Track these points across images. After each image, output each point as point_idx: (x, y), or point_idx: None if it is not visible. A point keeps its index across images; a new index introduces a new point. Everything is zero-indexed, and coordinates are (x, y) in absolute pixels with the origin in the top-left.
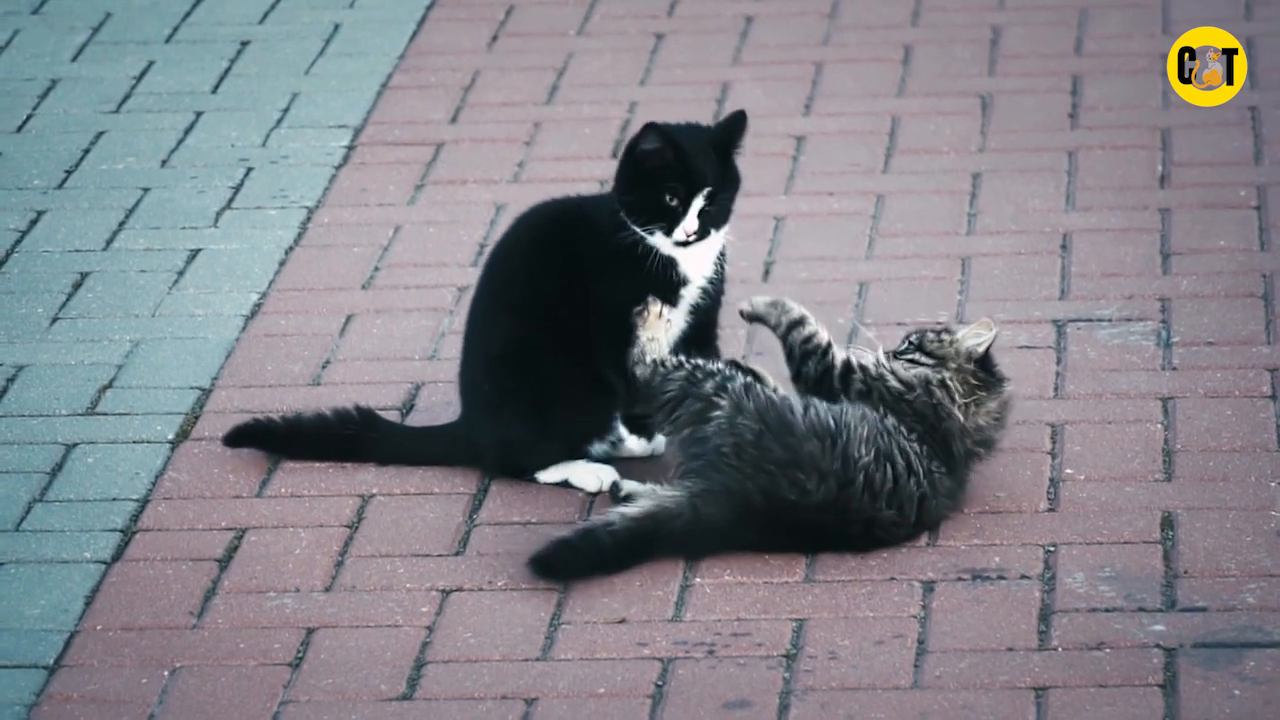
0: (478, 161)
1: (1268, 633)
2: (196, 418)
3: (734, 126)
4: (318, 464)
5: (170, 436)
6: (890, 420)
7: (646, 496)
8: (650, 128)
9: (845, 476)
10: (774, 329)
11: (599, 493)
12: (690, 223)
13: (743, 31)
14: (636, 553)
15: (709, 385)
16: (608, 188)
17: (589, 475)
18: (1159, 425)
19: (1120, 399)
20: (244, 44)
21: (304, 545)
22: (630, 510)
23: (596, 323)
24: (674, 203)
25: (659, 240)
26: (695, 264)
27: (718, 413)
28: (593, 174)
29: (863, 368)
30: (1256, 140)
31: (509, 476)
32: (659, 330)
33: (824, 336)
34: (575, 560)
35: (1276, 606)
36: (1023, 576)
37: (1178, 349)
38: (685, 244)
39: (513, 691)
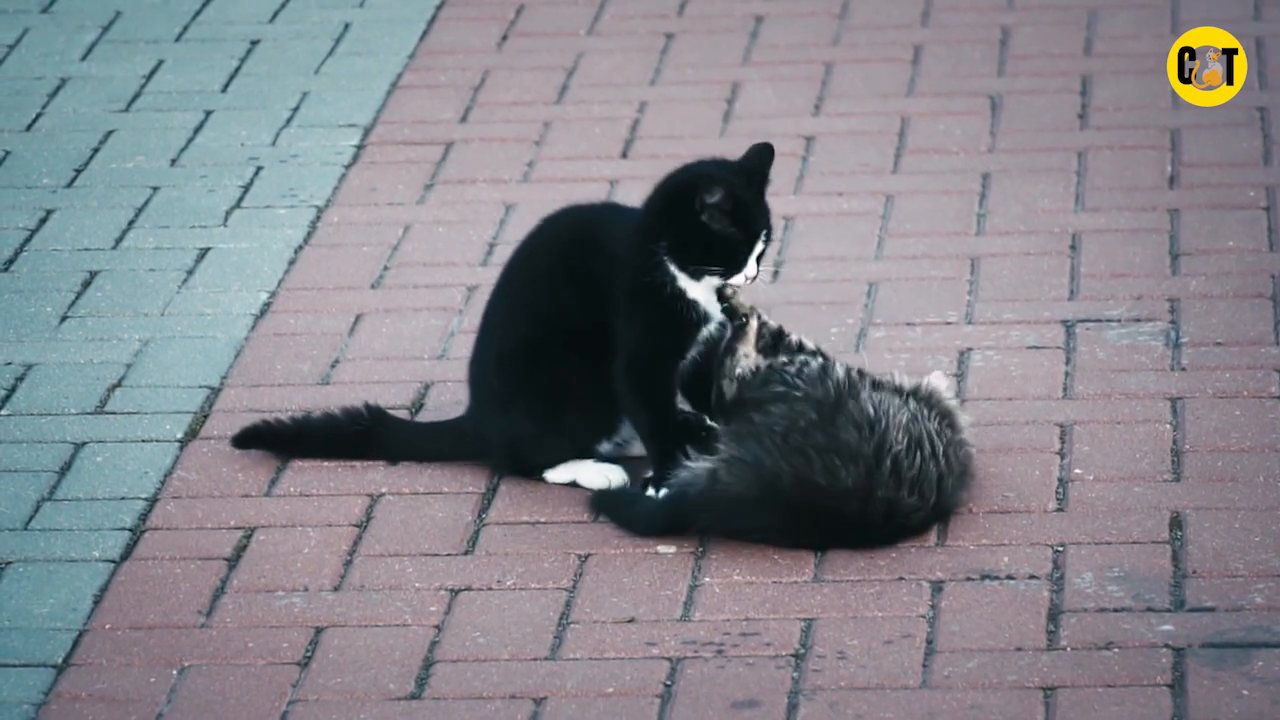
0: (487, 161)
1: (1276, 633)
2: (205, 417)
3: (766, 160)
4: (327, 463)
5: (179, 435)
6: (914, 404)
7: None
8: (707, 178)
9: (874, 460)
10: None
11: None
12: (751, 268)
13: (752, 31)
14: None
15: (791, 371)
16: (618, 191)
17: (597, 475)
18: (1168, 425)
19: (1129, 399)
20: (254, 43)
21: (313, 544)
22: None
23: (622, 351)
24: (733, 249)
25: (707, 284)
26: (714, 303)
27: (796, 393)
28: (602, 173)
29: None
30: (1265, 141)
31: (517, 474)
32: (752, 345)
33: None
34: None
35: None
36: (1031, 576)
37: (1187, 349)
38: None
39: (521, 691)
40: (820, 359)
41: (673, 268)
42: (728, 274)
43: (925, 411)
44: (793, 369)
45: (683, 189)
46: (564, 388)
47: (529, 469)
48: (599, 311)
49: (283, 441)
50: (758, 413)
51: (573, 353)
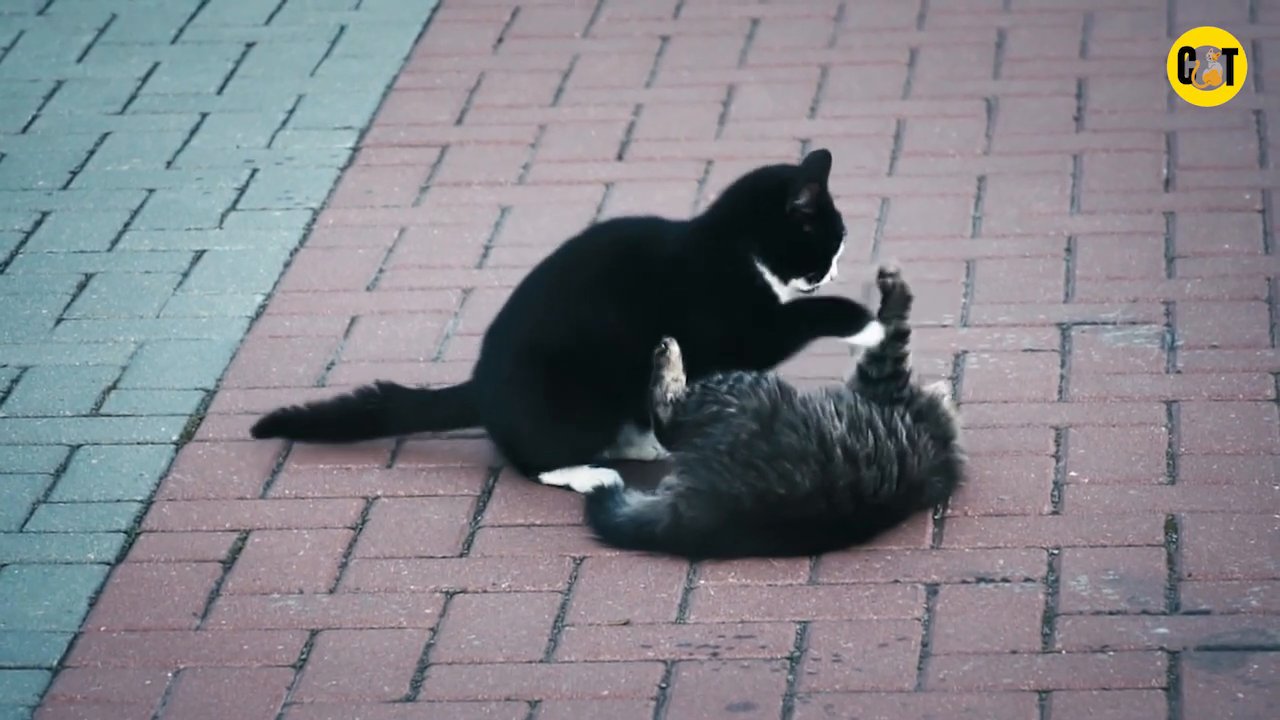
0: (483, 163)
1: (1271, 636)
2: (201, 419)
3: (827, 166)
4: (322, 465)
5: (174, 438)
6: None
7: (634, 502)
8: (796, 181)
9: (824, 455)
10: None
11: None
12: (834, 270)
13: (748, 34)
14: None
15: (724, 389)
16: (613, 193)
17: (591, 480)
18: (1163, 428)
19: (1124, 402)
20: (249, 45)
21: (308, 547)
22: (621, 509)
23: (704, 353)
24: (820, 251)
25: (793, 286)
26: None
27: (730, 410)
28: (598, 176)
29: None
30: (1261, 144)
31: (514, 467)
32: (679, 370)
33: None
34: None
35: None
36: (1026, 579)
37: (1182, 352)
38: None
39: (516, 693)
40: (750, 375)
41: (763, 269)
42: (815, 278)
43: (868, 402)
44: (725, 385)
45: (774, 191)
46: (580, 399)
47: (524, 467)
48: (642, 328)
49: (301, 427)
50: (699, 436)
51: (599, 366)
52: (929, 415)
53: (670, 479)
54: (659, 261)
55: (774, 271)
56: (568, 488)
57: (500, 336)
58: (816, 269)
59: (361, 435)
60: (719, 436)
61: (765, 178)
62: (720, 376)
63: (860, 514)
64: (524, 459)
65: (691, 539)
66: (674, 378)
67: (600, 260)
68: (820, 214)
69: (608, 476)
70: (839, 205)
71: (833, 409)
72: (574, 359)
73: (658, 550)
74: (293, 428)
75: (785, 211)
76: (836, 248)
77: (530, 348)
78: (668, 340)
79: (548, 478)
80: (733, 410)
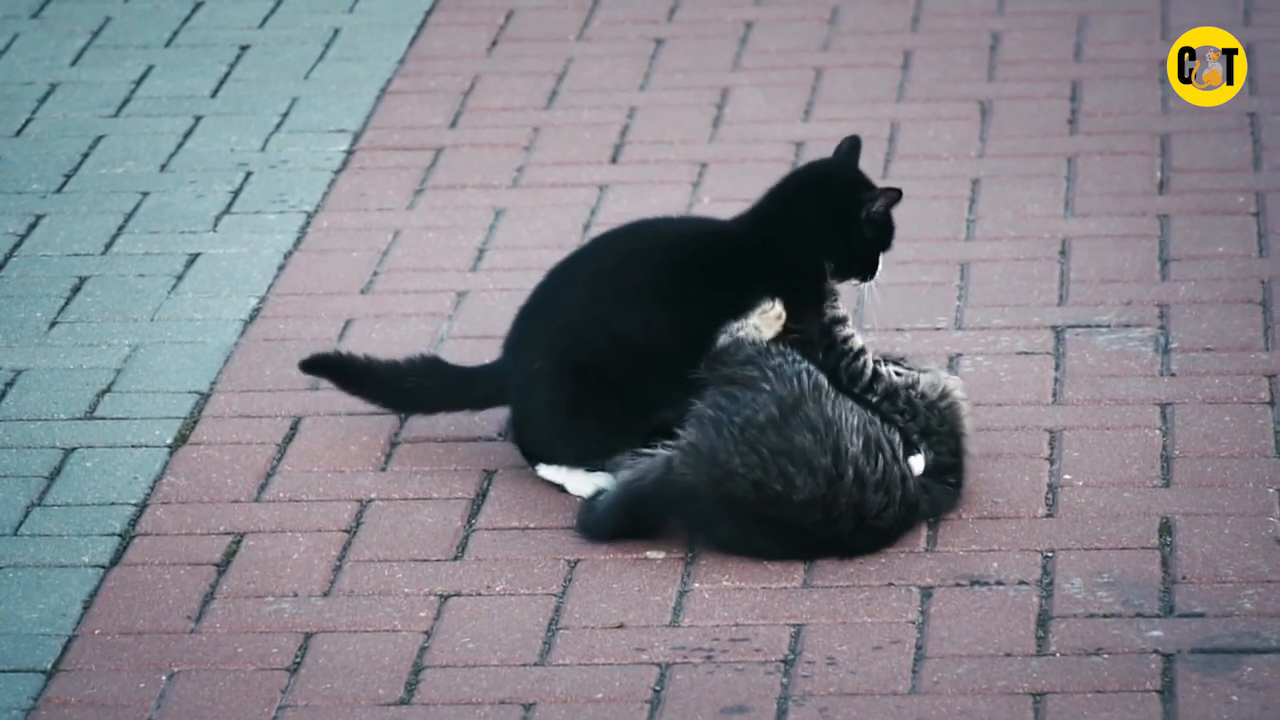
0: (477, 166)
1: (1265, 639)
2: (195, 422)
3: (858, 152)
4: (315, 468)
5: (168, 441)
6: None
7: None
8: (883, 193)
9: (835, 471)
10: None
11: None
12: (880, 270)
13: (742, 37)
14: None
15: (770, 361)
16: (607, 196)
17: (586, 483)
18: (1157, 431)
19: (1119, 405)
20: (243, 48)
21: (302, 550)
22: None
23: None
24: (876, 253)
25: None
26: None
27: (763, 384)
28: (592, 179)
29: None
30: (1255, 146)
31: (517, 445)
32: (772, 330)
33: (858, 339)
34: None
35: (1274, 612)
36: (1021, 582)
37: (1176, 355)
38: None
39: (511, 696)
40: (801, 361)
41: (828, 268)
42: (867, 277)
43: (875, 417)
44: (773, 359)
45: (848, 196)
46: (607, 401)
47: (527, 455)
48: (689, 330)
49: (346, 376)
50: (723, 395)
51: (633, 369)
52: (938, 411)
53: (680, 432)
54: (721, 261)
55: (834, 272)
56: (561, 488)
57: (534, 323)
58: (871, 270)
59: (398, 406)
60: (739, 407)
61: (835, 182)
62: (774, 350)
63: (858, 534)
64: (527, 446)
65: (677, 495)
66: (755, 326)
67: (648, 261)
68: (887, 220)
69: (602, 480)
70: None
71: (855, 423)
72: (607, 359)
73: (641, 511)
74: (338, 373)
75: (861, 218)
76: (889, 249)
77: (564, 343)
78: (774, 300)
79: (543, 470)
80: (766, 386)
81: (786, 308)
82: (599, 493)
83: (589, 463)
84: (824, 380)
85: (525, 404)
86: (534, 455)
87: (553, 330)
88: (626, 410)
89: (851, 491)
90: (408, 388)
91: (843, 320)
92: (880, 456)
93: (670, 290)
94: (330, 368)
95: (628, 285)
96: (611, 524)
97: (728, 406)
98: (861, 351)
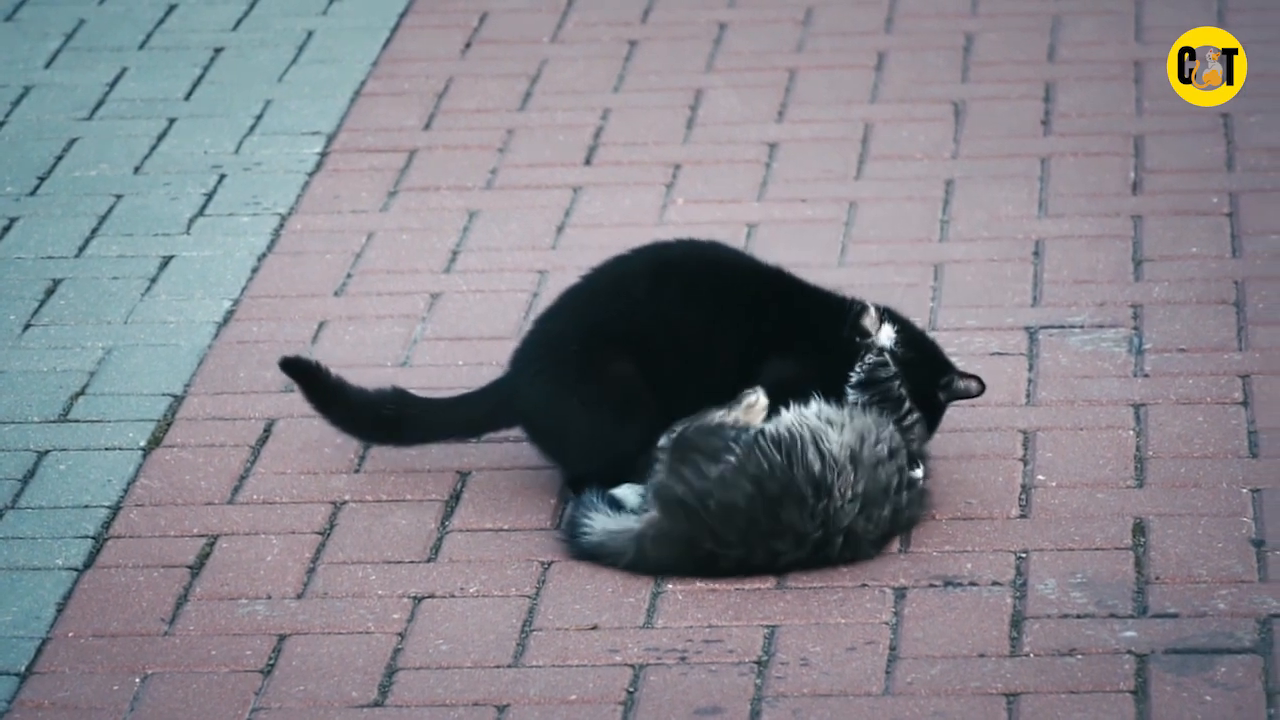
0: (451, 168)
1: (1239, 639)
2: (169, 425)
3: None
4: (289, 471)
5: (142, 443)
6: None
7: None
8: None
9: (824, 535)
10: None
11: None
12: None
13: (716, 38)
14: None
15: (728, 433)
16: (581, 198)
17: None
18: (1131, 432)
19: (1092, 405)
20: (217, 51)
21: (276, 552)
22: (585, 536)
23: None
24: None
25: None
26: None
27: (729, 457)
28: (566, 180)
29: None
30: (1229, 147)
31: (557, 468)
32: (755, 418)
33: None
34: None
35: (1248, 613)
36: (994, 583)
37: (1150, 355)
38: None
39: (484, 698)
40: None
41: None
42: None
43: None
44: (729, 432)
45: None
46: (635, 403)
47: (566, 470)
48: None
49: (317, 387)
50: (688, 465)
51: (679, 378)
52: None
53: (646, 509)
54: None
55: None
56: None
57: (568, 310)
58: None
59: (366, 433)
60: (710, 487)
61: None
62: (724, 419)
63: (842, 552)
64: (564, 462)
65: (654, 570)
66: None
67: (708, 294)
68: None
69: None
70: (806, 210)
71: (851, 473)
72: (656, 355)
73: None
74: (309, 381)
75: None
76: None
77: (605, 339)
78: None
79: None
80: (732, 461)
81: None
82: (586, 502)
83: (592, 460)
84: (791, 433)
85: (544, 388)
86: (578, 485)
87: (598, 321)
88: (649, 409)
89: (841, 552)
90: (387, 415)
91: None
92: (875, 510)
93: (739, 314)
94: (305, 373)
95: (705, 289)
96: (581, 559)
97: (699, 487)
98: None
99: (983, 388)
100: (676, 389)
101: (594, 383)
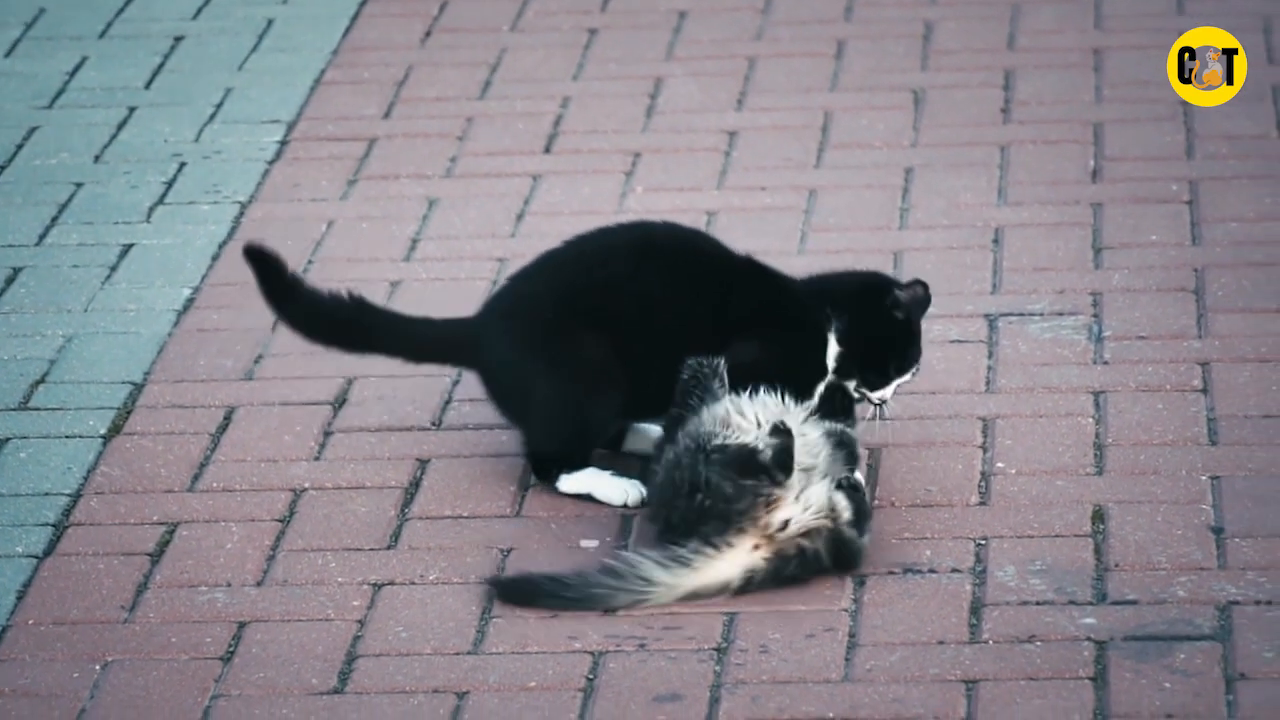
0: (410, 156)
1: (1198, 625)
2: (129, 413)
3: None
4: (249, 458)
5: (103, 431)
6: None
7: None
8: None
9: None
10: None
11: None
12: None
13: (675, 27)
14: None
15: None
16: (541, 186)
17: (615, 490)
18: (1090, 419)
19: (1052, 393)
20: (177, 39)
21: (235, 539)
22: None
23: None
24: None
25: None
26: None
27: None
28: (525, 169)
29: None
30: (1188, 135)
31: (532, 468)
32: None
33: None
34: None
35: (1207, 600)
36: (954, 570)
37: (1109, 343)
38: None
39: (444, 685)
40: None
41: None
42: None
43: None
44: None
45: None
46: (606, 376)
47: (538, 471)
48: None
49: (273, 280)
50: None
51: (649, 354)
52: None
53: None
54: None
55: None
56: (589, 497)
57: (545, 272)
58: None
59: (318, 335)
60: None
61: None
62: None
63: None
64: (525, 428)
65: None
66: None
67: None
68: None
69: (633, 489)
70: (766, 198)
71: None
72: (629, 329)
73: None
74: (268, 274)
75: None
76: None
77: (588, 303)
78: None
79: (566, 484)
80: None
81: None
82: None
83: (554, 432)
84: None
85: (511, 344)
86: (544, 469)
87: (576, 291)
88: (618, 385)
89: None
90: (337, 319)
91: None
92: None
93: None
94: (267, 265)
95: (684, 270)
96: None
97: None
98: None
99: (928, 288)
100: (645, 366)
101: (563, 352)
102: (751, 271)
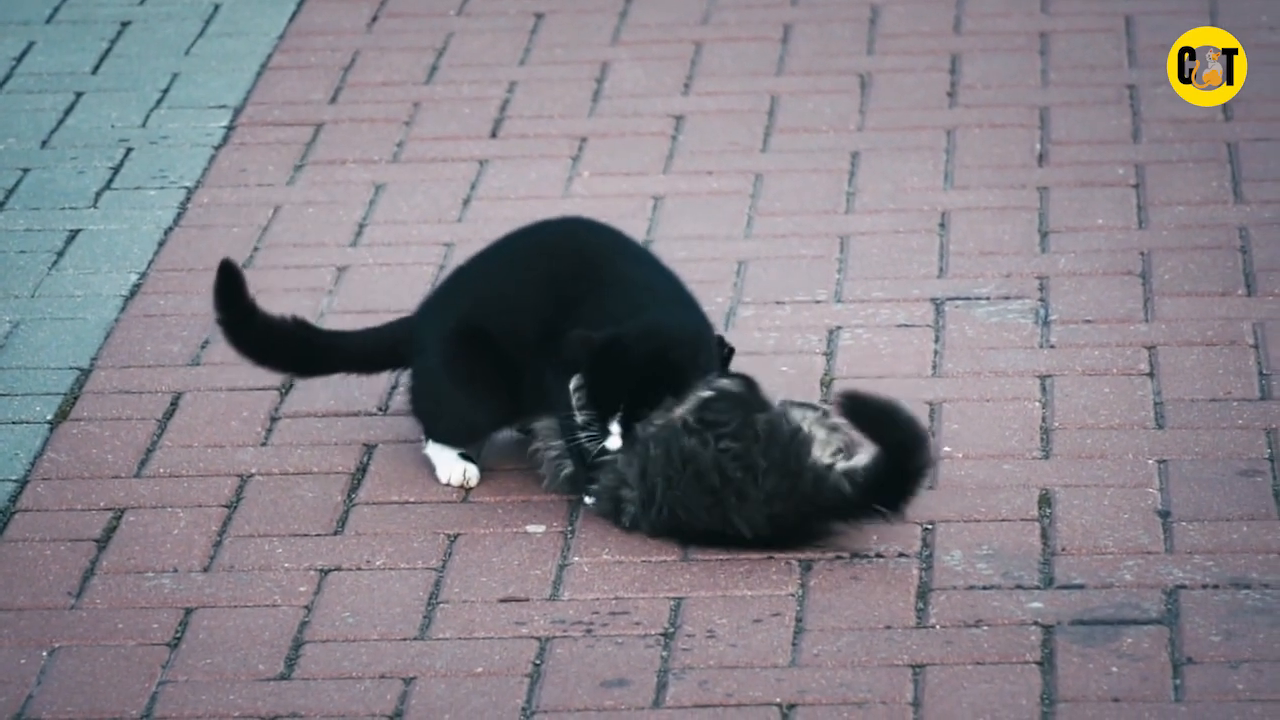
0: (357, 141)
1: (1145, 610)
2: (75, 398)
3: None
4: (195, 444)
5: (49, 417)
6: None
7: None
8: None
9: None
10: None
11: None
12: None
13: (622, 11)
14: None
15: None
16: (487, 170)
17: (454, 471)
18: (1037, 403)
19: (998, 377)
20: (124, 24)
21: (182, 525)
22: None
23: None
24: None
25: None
26: None
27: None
28: (472, 153)
29: None
30: (1135, 119)
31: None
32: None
33: None
34: None
35: (1154, 584)
36: (901, 555)
37: (1056, 327)
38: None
39: (391, 671)
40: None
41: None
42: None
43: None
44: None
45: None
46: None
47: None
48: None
49: (233, 303)
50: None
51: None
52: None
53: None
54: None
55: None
56: (430, 467)
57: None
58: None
59: (268, 361)
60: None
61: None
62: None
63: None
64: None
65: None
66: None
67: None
68: None
69: (472, 473)
70: (712, 183)
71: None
72: (514, 342)
73: None
74: (230, 295)
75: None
76: None
77: (483, 314)
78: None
79: (430, 450)
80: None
81: None
82: None
83: (457, 429)
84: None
85: (428, 361)
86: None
87: (478, 300)
88: (506, 392)
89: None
90: (301, 338)
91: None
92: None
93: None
94: (230, 282)
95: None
96: None
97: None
98: None
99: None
100: (528, 370)
101: (456, 365)
102: (615, 282)
